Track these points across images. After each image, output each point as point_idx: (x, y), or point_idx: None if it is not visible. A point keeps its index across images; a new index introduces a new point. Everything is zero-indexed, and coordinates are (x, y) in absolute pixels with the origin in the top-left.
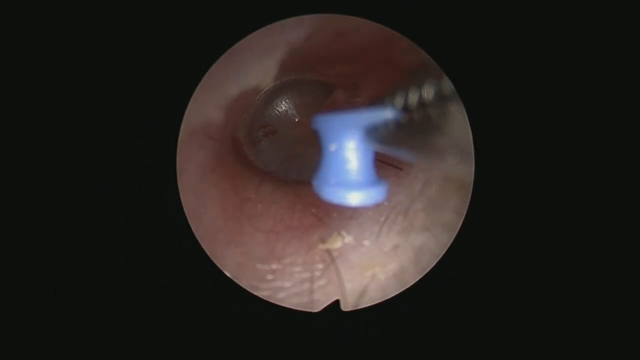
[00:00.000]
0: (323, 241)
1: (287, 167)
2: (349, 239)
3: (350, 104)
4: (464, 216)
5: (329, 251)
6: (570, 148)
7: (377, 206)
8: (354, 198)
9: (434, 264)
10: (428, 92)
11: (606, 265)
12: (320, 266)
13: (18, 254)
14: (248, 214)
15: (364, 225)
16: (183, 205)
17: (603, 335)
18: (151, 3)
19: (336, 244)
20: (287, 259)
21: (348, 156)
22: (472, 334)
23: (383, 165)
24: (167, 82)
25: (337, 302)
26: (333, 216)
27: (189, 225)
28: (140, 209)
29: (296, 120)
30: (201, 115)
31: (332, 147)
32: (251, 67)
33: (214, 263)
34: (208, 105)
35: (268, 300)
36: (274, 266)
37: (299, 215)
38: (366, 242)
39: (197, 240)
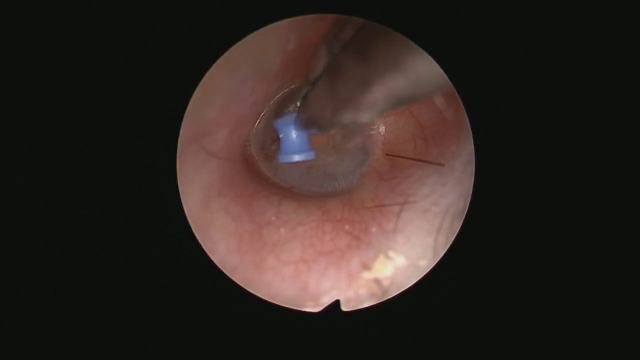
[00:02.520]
0: (367, 267)
1: (308, 180)
2: (399, 260)
3: None
4: None
5: (377, 281)
6: (570, 148)
7: (424, 213)
8: (296, 157)
9: None
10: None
11: (606, 265)
12: (371, 303)
13: (18, 254)
14: (269, 243)
15: (413, 239)
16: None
17: (603, 335)
18: (151, 3)
19: (385, 270)
20: (325, 298)
21: (290, 137)
22: (472, 334)
23: (422, 165)
24: (167, 82)
25: (337, 302)
26: (372, 232)
27: (189, 225)
28: (140, 209)
29: None
30: (200, 130)
31: (280, 135)
32: (252, 75)
33: (213, 263)
34: (208, 119)
35: None
36: (308, 309)
37: (330, 235)
38: (422, 262)
39: (197, 240)
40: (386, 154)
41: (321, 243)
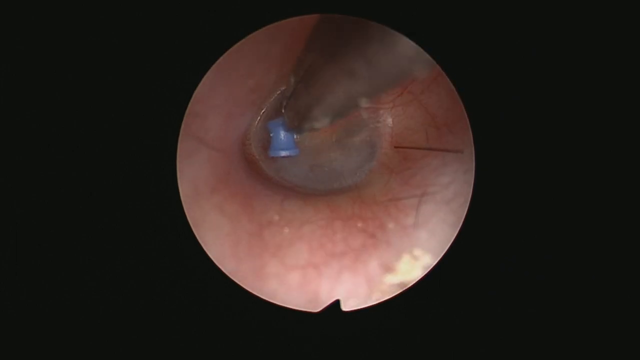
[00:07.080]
0: (390, 269)
1: (313, 179)
2: (427, 259)
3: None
4: None
5: (404, 285)
6: (570, 149)
7: (448, 204)
8: (283, 153)
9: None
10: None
11: (606, 265)
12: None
13: (18, 254)
14: (272, 245)
15: (439, 234)
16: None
17: (603, 335)
18: (151, 3)
19: (413, 272)
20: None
21: (279, 137)
22: (472, 334)
23: (438, 154)
24: (168, 81)
25: (337, 302)
26: (389, 229)
27: (188, 225)
28: (140, 209)
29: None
30: (198, 121)
31: (270, 133)
32: (253, 71)
33: (214, 263)
34: (206, 110)
35: None
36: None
37: (342, 234)
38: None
39: (197, 240)
40: (395, 147)
41: (332, 243)
